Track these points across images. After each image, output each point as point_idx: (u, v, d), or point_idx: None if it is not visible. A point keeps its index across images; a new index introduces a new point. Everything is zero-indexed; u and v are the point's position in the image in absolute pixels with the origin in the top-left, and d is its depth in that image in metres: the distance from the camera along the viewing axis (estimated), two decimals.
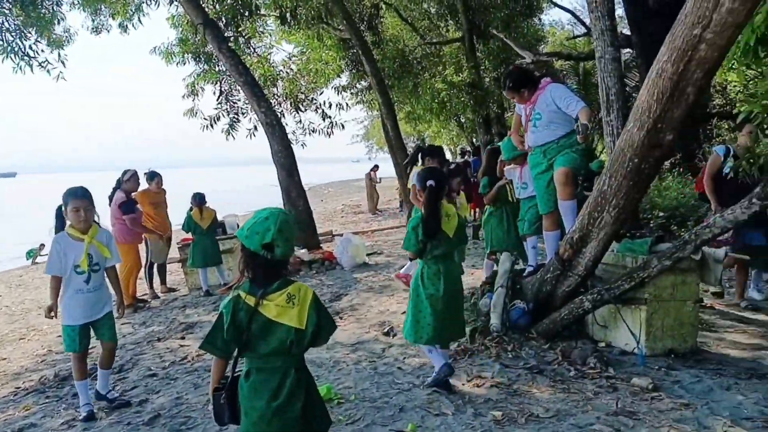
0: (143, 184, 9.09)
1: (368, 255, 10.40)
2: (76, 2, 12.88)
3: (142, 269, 8.90)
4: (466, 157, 19.01)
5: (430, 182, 4.00)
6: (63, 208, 4.23)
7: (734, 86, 14.35)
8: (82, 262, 4.17)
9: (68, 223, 4.21)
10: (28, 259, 16.56)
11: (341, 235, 12.10)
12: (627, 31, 15.55)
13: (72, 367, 4.42)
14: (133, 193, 8.46)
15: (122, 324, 7.46)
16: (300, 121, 15.42)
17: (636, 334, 4.57)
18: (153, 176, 9.14)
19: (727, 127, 15.35)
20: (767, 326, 5.59)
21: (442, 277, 3.97)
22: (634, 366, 4.41)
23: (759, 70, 4.15)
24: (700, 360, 4.61)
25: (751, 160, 3.81)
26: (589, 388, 4.02)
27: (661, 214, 10.77)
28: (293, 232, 2.54)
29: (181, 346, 6.08)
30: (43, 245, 17.01)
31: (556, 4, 21.82)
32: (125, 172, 8.40)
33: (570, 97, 4.99)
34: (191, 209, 8.81)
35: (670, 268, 4.46)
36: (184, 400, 4.38)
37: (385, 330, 5.74)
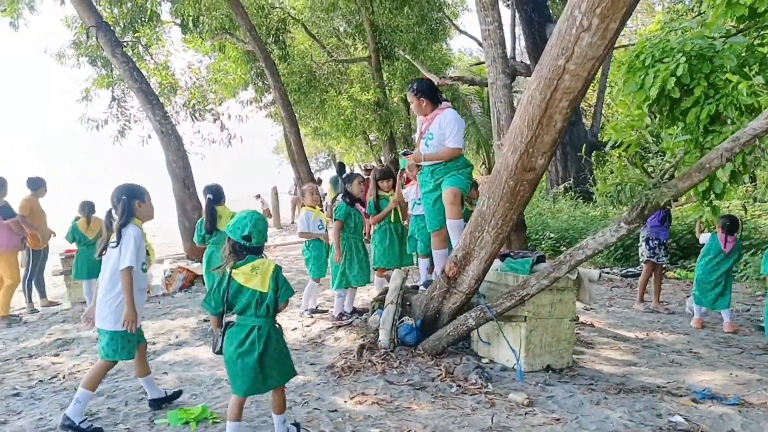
0: (26, 192, 8.58)
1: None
2: None
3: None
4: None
5: None
6: (135, 203, 3.96)
7: (619, 115, 15.37)
8: (148, 260, 4.09)
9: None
10: None
11: None
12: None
13: (93, 379, 3.92)
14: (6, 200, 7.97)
15: None
16: (198, 131, 15.06)
17: (516, 351, 4.72)
18: (40, 183, 8.64)
19: (617, 155, 16.36)
20: (640, 343, 5.95)
21: None
22: (514, 381, 4.54)
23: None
24: (574, 375, 4.82)
25: (618, 187, 4.05)
26: (468, 404, 4.09)
27: (552, 235, 11.29)
28: (265, 226, 3.47)
29: (53, 363, 5.69)
30: None
31: (462, 31, 22.58)
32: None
33: (454, 129, 5.07)
34: (77, 218, 8.33)
35: (548, 287, 4.65)
36: (47, 421, 4.09)
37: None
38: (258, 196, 21.75)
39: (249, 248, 3.34)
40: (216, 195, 6.49)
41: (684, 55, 4.08)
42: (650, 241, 7.33)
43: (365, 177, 7.51)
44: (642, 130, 4.09)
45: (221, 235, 6.22)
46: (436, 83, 15.35)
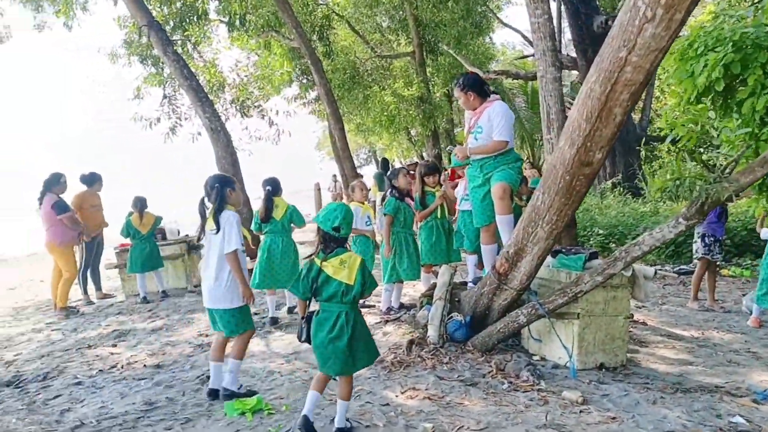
0: (81, 187, 8.88)
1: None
2: None
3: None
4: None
5: None
6: (227, 190, 4.25)
7: (673, 112, 14.97)
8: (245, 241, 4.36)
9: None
10: None
11: None
12: (575, 54, 16.05)
13: (241, 348, 4.32)
14: (62, 195, 8.26)
15: (52, 331, 7.19)
16: (246, 128, 15.27)
17: (568, 348, 4.66)
18: (96, 179, 9.05)
19: (666, 149, 15.95)
20: (696, 342, 5.80)
21: None
22: (566, 379, 4.49)
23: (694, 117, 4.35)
24: (629, 374, 4.74)
25: (677, 182, 3.95)
26: (520, 400, 4.06)
27: (600, 231, 11.07)
28: (352, 219, 3.70)
29: (112, 353, 5.88)
30: None
31: (506, 25, 22.34)
32: (53, 175, 8.17)
33: (501, 122, 5.04)
34: (131, 214, 8.59)
35: (602, 284, 4.57)
36: (108, 409, 4.23)
37: None
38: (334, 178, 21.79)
39: (337, 239, 3.57)
40: (274, 186, 6.80)
41: (734, 44, 3.95)
42: (706, 238, 7.12)
43: (409, 170, 7.48)
44: (704, 125, 3.97)
45: (276, 223, 6.67)
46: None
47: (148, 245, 8.53)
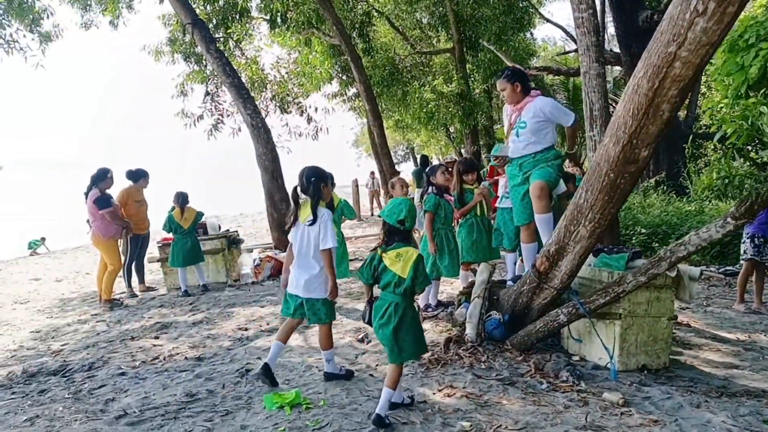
0: (126, 182, 9.10)
1: (350, 261, 10.36)
2: None
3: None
4: None
5: None
6: (321, 185, 4.42)
7: (720, 108, 14.55)
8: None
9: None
10: (29, 249, 16.50)
11: None
12: (618, 50, 15.72)
13: (326, 335, 4.55)
14: (110, 191, 8.52)
15: (97, 322, 7.39)
16: (286, 124, 15.41)
17: (609, 349, 4.57)
18: (141, 174, 9.24)
19: (712, 147, 15.49)
20: (741, 345, 5.63)
21: None
22: (607, 380, 4.41)
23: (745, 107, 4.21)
24: (671, 377, 4.62)
25: (726, 180, 3.83)
26: (560, 401, 4.00)
27: (643, 230, 10.82)
28: (416, 213, 3.88)
29: (154, 345, 6.01)
30: (44, 238, 17.00)
31: (548, 20, 22.03)
32: (99, 171, 8.41)
33: (560, 109, 5.07)
34: (173, 209, 8.77)
35: (646, 284, 4.47)
36: (151, 400, 4.32)
37: (360, 336, 5.71)
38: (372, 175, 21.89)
39: (401, 231, 3.78)
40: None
41: None
42: (756, 239, 6.89)
43: (448, 167, 7.42)
44: (756, 121, 3.85)
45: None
46: None
47: (189, 240, 8.70)
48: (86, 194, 8.33)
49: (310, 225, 4.34)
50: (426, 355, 4.95)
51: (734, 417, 3.73)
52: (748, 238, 6.98)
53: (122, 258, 8.84)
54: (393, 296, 3.73)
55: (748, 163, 3.98)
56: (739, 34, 4.21)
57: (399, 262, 3.71)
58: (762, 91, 4.19)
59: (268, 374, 4.42)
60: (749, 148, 4.90)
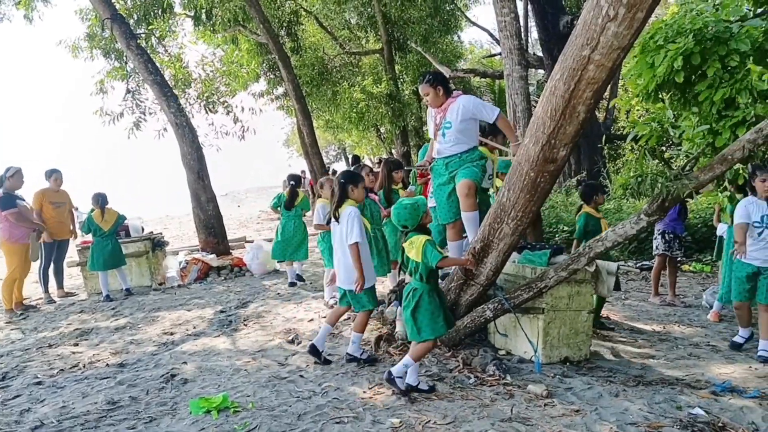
0: (43, 183, 8.67)
1: (279, 262, 10.27)
2: None
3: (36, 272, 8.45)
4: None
5: None
6: (349, 187, 4.74)
7: (637, 110, 15.27)
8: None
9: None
10: None
11: (253, 241, 11.89)
12: (541, 53, 16.24)
13: (361, 322, 4.83)
14: (17, 191, 8.09)
15: (11, 330, 7.02)
16: (212, 123, 15.08)
17: (534, 343, 4.72)
18: (51, 173, 8.74)
19: (629, 147, 16.25)
20: (657, 336, 5.94)
21: None
22: (531, 373, 4.54)
23: (653, 110, 4.44)
24: (592, 368, 4.82)
25: (639, 179, 4.02)
26: (486, 395, 4.10)
27: (565, 228, 11.25)
28: (422, 211, 4.17)
29: (74, 353, 5.75)
30: None
31: (473, 23, 22.49)
32: (8, 170, 7.95)
33: (485, 106, 5.15)
34: (92, 210, 8.42)
35: (567, 279, 4.65)
36: (69, 409, 4.14)
37: (290, 338, 5.66)
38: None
39: (413, 228, 4.18)
40: (297, 181, 8.62)
41: (694, 36, 4.03)
42: (666, 235, 7.28)
43: (372, 168, 7.44)
44: (664, 123, 4.06)
45: (297, 210, 8.50)
46: (447, 75, 15.38)
47: (109, 242, 8.37)
48: None
49: (337, 224, 4.72)
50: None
51: (650, 404, 3.92)
52: (659, 234, 7.37)
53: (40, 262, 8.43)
54: (414, 281, 4.14)
55: (660, 163, 4.19)
56: (650, 36, 4.42)
57: (413, 249, 4.08)
58: (669, 91, 4.42)
59: (315, 353, 4.81)
60: (663, 148, 5.16)
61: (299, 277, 8.75)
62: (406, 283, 4.30)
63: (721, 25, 4.17)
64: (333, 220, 4.77)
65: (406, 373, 4.10)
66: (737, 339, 5.55)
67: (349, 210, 4.66)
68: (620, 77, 16.78)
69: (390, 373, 4.08)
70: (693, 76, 4.15)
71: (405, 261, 4.24)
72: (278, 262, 9.39)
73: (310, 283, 8.62)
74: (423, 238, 4.07)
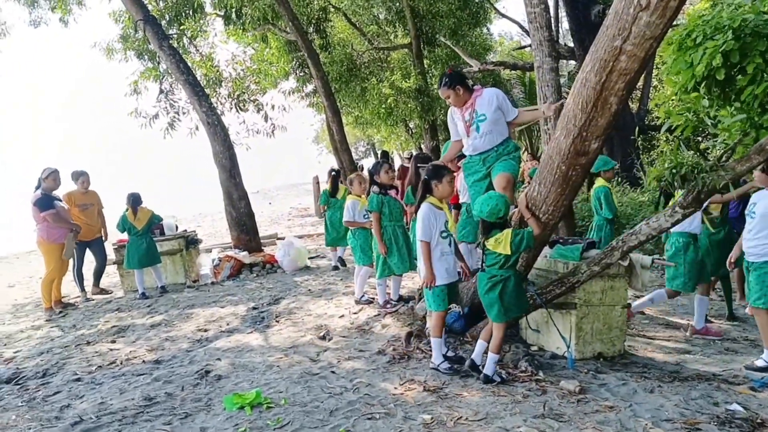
0: (70, 185, 8.85)
1: (310, 258, 10.35)
2: None
3: (71, 271, 8.65)
4: None
5: None
6: (432, 182, 4.67)
7: (671, 100, 14.92)
8: (451, 227, 4.69)
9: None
10: None
11: (284, 238, 11.99)
12: (573, 44, 15.98)
13: (433, 325, 4.62)
14: (56, 193, 8.29)
15: (51, 327, 7.20)
16: (243, 122, 15.23)
17: (566, 338, 4.66)
18: (78, 175, 8.92)
19: (664, 138, 15.91)
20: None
21: None
22: (564, 369, 4.50)
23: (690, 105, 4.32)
24: (626, 363, 4.75)
25: (674, 171, 3.93)
26: (518, 391, 4.07)
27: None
28: (507, 206, 4.27)
29: (111, 350, 5.88)
30: None
31: (503, 15, 22.24)
32: (44, 171, 8.13)
33: (507, 101, 5.11)
34: (127, 210, 8.58)
35: (599, 273, 4.58)
36: (107, 405, 4.23)
37: (322, 334, 5.70)
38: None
39: (498, 224, 4.26)
40: (338, 173, 9.83)
41: (733, 32, 3.91)
42: None
43: (391, 165, 7.40)
44: (699, 113, 3.96)
45: (339, 201, 9.18)
46: (477, 68, 15.24)
47: (144, 241, 8.52)
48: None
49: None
50: (388, 350, 4.99)
51: (686, 401, 3.85)
52: None
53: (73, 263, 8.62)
54: (494, 270, 4.27)
55: (696, 154, 4.09)
56: (687, 33, 4.30)
57: (500, 245, 4.18)
58: (706, 86, 4.30)
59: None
60: (699, 139, 5.03)
61: (341, 261, 9.59)
62: (480, 271, 4.42)
63: (760, 18, 4.03)
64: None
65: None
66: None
67: (423, 207, 4.64)
68: (654, 66, 16.46)
69: (485, 375, 4.25)
70: (733, 72, 4.03)
71: (484, 253, 4.36)
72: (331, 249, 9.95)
73: (348, 269, 9.31)
74: (508, 231, 4.18)
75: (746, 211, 4.99)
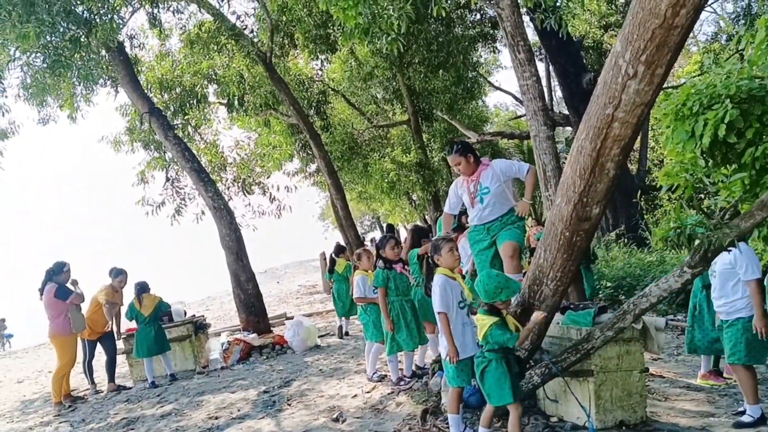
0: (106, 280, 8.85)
1: (320, 337, 10.23)
2: (21, 95, 12.85)
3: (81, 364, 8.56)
4: None
5: None
6: (434, 256, 4.63)
7: (671, 160, 15.10)
8: (469, 296, 4.62)
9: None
10: None
11: (293, 317, 11.90)
12: (567, 111, 16.38)
13: (451, 401, 4.57)
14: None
15: (60, 422, 7.07)
16: (249, 204, 15.44)
17: (586, 407, 4.54)
18: (117, 273, 8.84)
19: (666, 198, 16.01)
20: (716, 392, 5.65)
21: None
22: None
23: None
24: (650, 430, 4.60)
25: (678, 231, 3.94)
26: None
27: (608, 284, 10.97)
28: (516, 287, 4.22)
29: None
30: (3, 319, 16.41)
31: (497, 88, 22.91)
32: (60, 264, 8.14)
33: (513, 164, 5.30)
34: (134, 298, 8.58)
35: (614, 338, 4.51)
36: None
37: (335, 416, 5.56)
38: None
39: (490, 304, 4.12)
40: (337, 252, 10.89)
41: (731, 100, 4.01)
42: None
43: (398, 241, 7.41)
44: (697, 173, 4.01)
45: (339, 275, 10.54)
46: (475, 140, 15.56)
47: (152, 329, 8.46)
48: (41, 290, 8.01)
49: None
50: (404, 430, 4.86)
51: None
52: None
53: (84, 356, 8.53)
54: (483, 351, 4.14)
55: (699, 213, 4.11)
56: (683, 103, 4.40)
57: (480, 330, 4.10)
58: (712, 153, 4.35)
59: None
60: (702, 196, 5.05)
61: (344, 331, 10.36)
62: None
63: (754, 82, 4.15)
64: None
65: None
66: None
67: (435, 279, 4.58)
68: (649, 128, 16.77)
69: None
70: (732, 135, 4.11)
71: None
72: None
73: (351, 336, 10.29)
74: (488, 320, 4.05)
75: (709, 271, 4.91)
